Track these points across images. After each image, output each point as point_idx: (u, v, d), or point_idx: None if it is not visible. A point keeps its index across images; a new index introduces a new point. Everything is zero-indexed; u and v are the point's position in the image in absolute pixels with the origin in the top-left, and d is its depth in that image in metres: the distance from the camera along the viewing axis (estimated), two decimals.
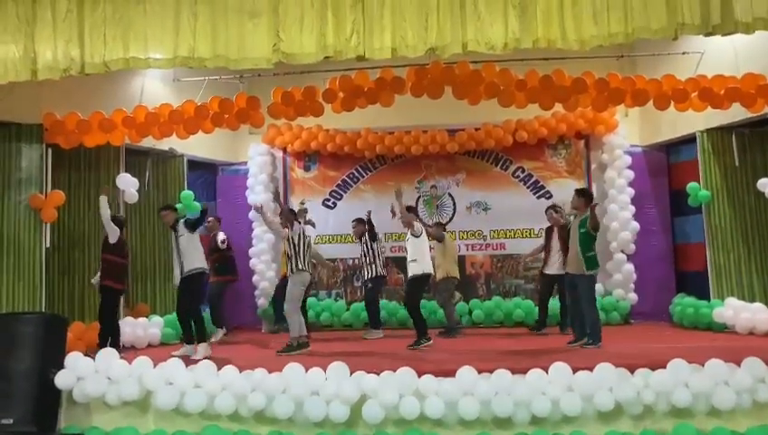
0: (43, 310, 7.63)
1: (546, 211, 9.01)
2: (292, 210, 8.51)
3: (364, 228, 9.17)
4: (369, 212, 9.23)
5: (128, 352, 7.43)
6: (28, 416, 5.28)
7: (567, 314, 8.39)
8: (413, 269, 7.80)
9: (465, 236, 10.53)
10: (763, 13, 5.64)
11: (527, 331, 9.25)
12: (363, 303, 9.53)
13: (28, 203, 7.84)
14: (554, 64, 8.03)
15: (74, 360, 5.53)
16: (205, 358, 6.67)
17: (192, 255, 7.36)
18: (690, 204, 9.36)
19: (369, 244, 9.04)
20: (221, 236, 9.11)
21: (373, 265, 8.96)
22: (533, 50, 6.03)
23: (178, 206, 9.41)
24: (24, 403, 5.30)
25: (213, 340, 8.68)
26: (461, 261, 9.82)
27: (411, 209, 8.30)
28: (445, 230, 9.49)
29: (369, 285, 9.13)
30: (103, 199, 7.62)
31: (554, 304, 9.09)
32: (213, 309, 9.10)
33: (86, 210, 8.69)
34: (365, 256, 9.06)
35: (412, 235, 7.88)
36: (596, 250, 7.36)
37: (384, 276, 9.14)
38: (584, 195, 7.58)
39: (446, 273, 8.89)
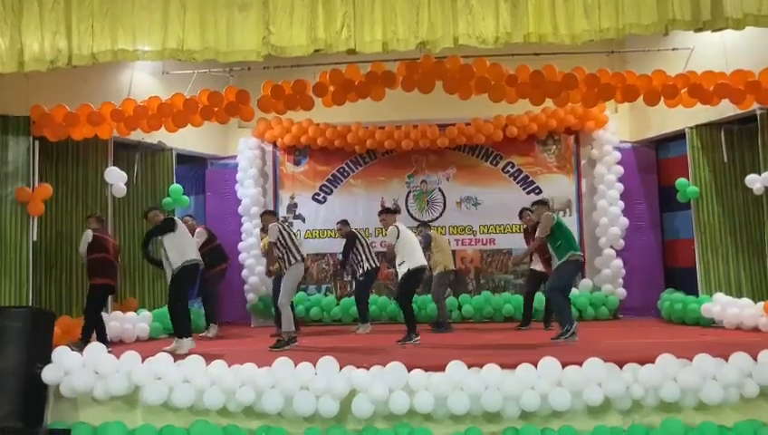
0: (30, 304, 7.55)
1: (521, 213, 8.98)
2: (270, 211, 8.61)
3: (349, 229, 9.16)
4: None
5: (116, 346, 7.38)
6: (14, 411, 5.23)
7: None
8: (402, 270, 7.75)
9: (455, 232, 10.53)
10: (752, 9, 5.67)
11: (516, 327, 9.26)
12: (354, 297, 9.49)
13: (15, 196, 7.76)
14: (545, 60, 8.04)
15: (61, 354, 5.48)
16: (188, 353, 6.56)
17: (175, 252, 7.22)
18: (679, 200, 9.42)
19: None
20: (197, 232, 8.94)
21: (362, 262, 8.92)
22: (524, 45, 6.03)
23: (167, 200, 9.41)
24: (11, 399, 5.25)
25: (208, 335, 8.67)
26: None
27: (390, 211, 8.32)
28: (429, 227, 9.42)
29: (362, 279, 9.05)
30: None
31: (540, 299, 9.07)
32: (206, 304, 9.04)
33: (74, 204, 8.62)
34: (355, 256, 8.99)
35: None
36: (561, 239, 7.41)
37: (377, 268, 9.06)
38: (544, 203, 7.93)
39: (443, 267, 8.93)
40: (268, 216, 8.17)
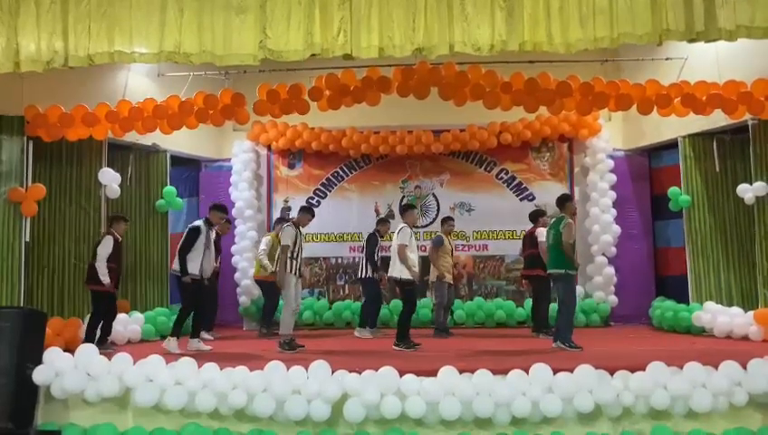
0: (22, 304, 7.53)
1: (536, 216, 9.00)
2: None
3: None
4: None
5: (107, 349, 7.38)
6: (4, 412, 5.22)
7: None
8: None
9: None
10: (745, 21, 5.74)
11: (508, 331, 9.31)
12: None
13: (8, 196, 7.74)
14: (540, 68, 8.09)
15: (52, 355, 5.46)
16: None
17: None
18: (671, 208, 9.47)
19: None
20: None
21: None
22: (519, 53, 6.07)
23: (160, 202, 9.39)
24: (1, 399, 5.24)
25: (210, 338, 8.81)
26: None
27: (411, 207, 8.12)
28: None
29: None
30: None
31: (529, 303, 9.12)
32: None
33: (67, 205, 8.58)
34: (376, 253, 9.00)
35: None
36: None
37: None
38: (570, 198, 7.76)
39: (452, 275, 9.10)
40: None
